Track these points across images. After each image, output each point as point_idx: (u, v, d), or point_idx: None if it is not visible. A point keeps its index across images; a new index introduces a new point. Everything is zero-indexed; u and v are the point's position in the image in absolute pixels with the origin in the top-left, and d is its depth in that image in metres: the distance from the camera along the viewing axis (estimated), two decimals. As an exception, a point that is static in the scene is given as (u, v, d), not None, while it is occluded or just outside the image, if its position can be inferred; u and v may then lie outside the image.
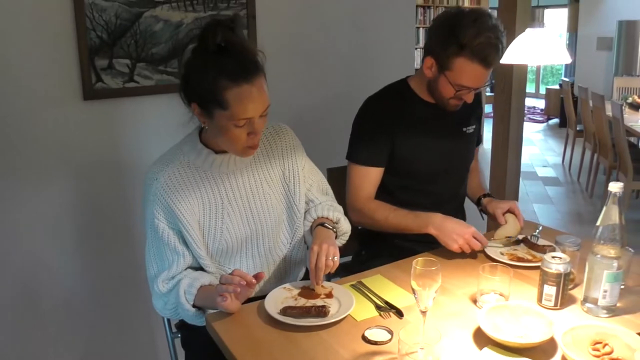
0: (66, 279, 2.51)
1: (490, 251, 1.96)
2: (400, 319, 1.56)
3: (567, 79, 8.76)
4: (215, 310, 1.62)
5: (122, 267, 2.60)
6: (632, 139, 6.28)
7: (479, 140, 2.38)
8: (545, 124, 10.69)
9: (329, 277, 2.42)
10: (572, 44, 10.81)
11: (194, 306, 1.64)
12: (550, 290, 1.60)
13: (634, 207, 5.46)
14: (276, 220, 1.83)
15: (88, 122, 2.43)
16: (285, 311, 1.54)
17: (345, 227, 1.93)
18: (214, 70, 1.54)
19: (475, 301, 1.65)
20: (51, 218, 2.42)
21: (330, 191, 1.99)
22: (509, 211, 2.10)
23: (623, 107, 5.42)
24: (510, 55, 1.92)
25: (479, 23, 1.89)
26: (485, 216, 2.29)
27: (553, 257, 1.61)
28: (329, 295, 1.65)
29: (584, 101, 6.74)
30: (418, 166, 2.16)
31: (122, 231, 2.59)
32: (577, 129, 7.25)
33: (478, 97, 2.25)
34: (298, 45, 2.94)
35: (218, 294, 1.51)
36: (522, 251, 2.00)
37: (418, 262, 1.34)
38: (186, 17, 2.55)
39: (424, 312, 1.36)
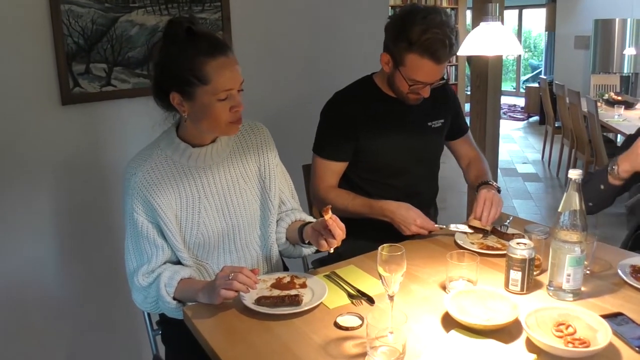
0: (49, 280, 2.52)
1: (461, 240, 2.02)
2: (372, 305, 1.61)
3: (545, 77, 8.87)
4: (193, 303, 1.66)
5: (105, 267, 2.62)
6: (611, 135, 6.41)
7: (461, 130, 2.43)
8: (525, 121, 10.81)
9: (305, 269, 2.49)
10: (551, 43, 10.95)
11: (174, 299, 1.68)
12: (516, 275, 1.66)
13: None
14: (251, 216, 1.87)
15: (67, 126, 2.46)
16: (260, 301, 1.59)
17: None
18: (190, 50, 1.61)
19: (444, 288, 1.71)
20: (33, 220, 2.44)
21: (296, 196, 2.06)
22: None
23: (598, 103, 5.53)
24: (466, 48, 2.02)
25: (429, 20, 1.96)
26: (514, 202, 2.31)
27: (518, 243, 1.67)
28: (303, 286, 1.70)
29: (561, 98, 6.85)
30: (383, 160, 2.22)
31: (104, 231, 2.61)
32: (556, 125, 7.36)
33: (445, 91, 2.30)
34: (272, 46, 2.99)
35: (223, 287, 1.54)
36: (491, 240, 2.06)
37: (384, 249, 1.39)
38: (161, 21, 2.58)
39: (391, 297, 1.41)
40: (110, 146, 2.58)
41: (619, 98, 6.79)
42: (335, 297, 1.65)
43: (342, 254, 2.29)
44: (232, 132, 1.74)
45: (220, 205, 1.81)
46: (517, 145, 8.86)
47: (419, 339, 1.44)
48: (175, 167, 1.75)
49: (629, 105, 6.50)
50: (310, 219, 1.98)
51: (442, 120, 2.30)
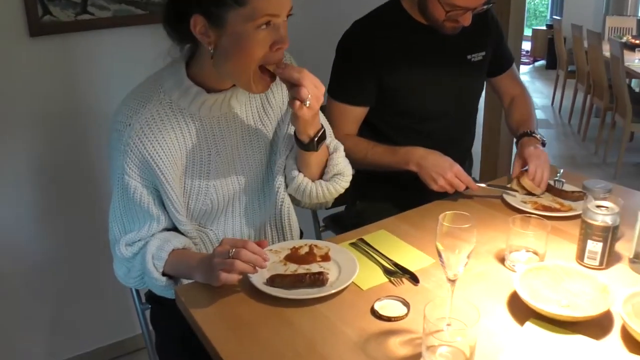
0: (27, 242, 2.27)
1: (510, 199, 1.67)
2: (416, 285, 1.27)
3: (558, 18, 8.40)
4: (189, 281, 1.32)
5: (90, 228, 2.33)
6: (629, 81, 6.02)
7: (506, 62, 2.04)
8: (531, 65, 10.38)
9: (318, 235, 2.14)
10: (559, -17, 10.44)
11: (164, 274, 1.34)
12: (595, 246, 1.32)
13: (629, 150, 5.21)
14: (263, 172, 1.53)
15: (37, 62, 2.12)
16: (274, 280, 1.24)
17: (340, 165, 1.54)
18: None
19: (502, 260, 1.37)
20: (4, 175, 2.16)
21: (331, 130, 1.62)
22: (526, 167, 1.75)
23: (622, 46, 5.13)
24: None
25: None
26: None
27: (598, 206, 1.32)
28: (325, 258, 1.35)
29: (577, 40, 6.42)
30: (413, 102, 1.84)
31: (86, 187, 2.31)
32: (568, 69, 6.96)
33: (485, 18, 1.91)
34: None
35: (220, 269, 1.19)
36: (546, 199, 1.71)
37: (446, 218, 1.03)
38: None
39: (452, 281, 1.06)
40: (90, 86, 2.23)
41: (638, 41, 6.38)
42: (368, 274, 1.31)
43: (361, 213, 1.94)
44: (262, 89, 1.32)
45: (233, 162, 1.45)
46: (525, 90, 8.46)
47: (487, 334, 1.10)
48: (183, 117, 1.36)
49: (650, 50, 6.10)
50: (334, 144, 1.57)
51: (484, 53, 1.91)
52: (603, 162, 5.22)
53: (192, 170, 1.39)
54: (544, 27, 10.32)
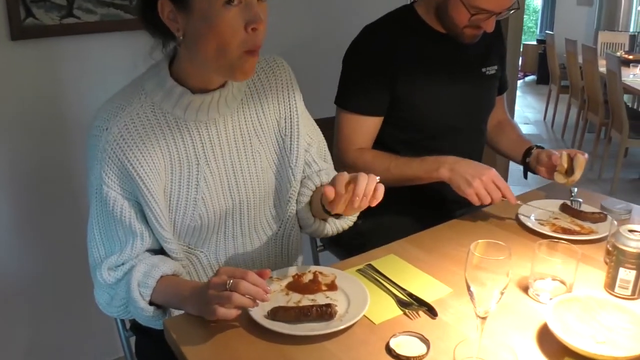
0: (2, 257, 2.11)
1: (525, 220, 1.55)
2: (434, 319, 1.14)
3: (550, 32, 8.37)
4: (180, 312, 1.18)
5: (69, 244, 2.15)
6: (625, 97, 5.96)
7: (503, 86, 1.94)
8: (522, 80, 10.34)
9: (316, 257, 2.00)
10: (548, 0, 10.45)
11: (151, 304, 1.20)
12: (627, 274, 1.20)
13: (624, 166, 5.13)
14: (265, 188, 1.38)
15: (18, 67, 1.98)
16: (276, 314, 1.10)
17: None
18: None
19: (525, 288, 1.24)
20: None
21: (330, 157, 1.52)
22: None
23: (603, 61, 5.09)
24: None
25: None
26: (529, 176, 1.83)
27: (631, 230, 1.21)
28: (332, 287, 1.22)
29: (571, 55, 6.36)
30: (426, 116, 1.72)
31: (67, 200, 2.15)
32: (561, 84, 6.90)
33: (499, 30, 1.82)
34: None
35: (215, 303, 1.06)
36: (564, 220, 1.59)
37: (478, 247, 0.91)
38: None
39: (482, 319, 0.93)
40: (74, 93, 2.09)
41: (631, 57, 6.34)
42: (380, 306, 1.18)
43: (364, 233, 1.81)
44: (247, 70, 1.18)
45: (226, 175, 1.31)
46: (516, 104, 8.38)
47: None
48: (166, 121, 1.23)
49: (644, 65, 6.04)
50: None
51: (496, 67, 1.81)
52: (599, 177, 5.14)
53: (178, 180, 1.25)
54: (535, 42, 10.30)
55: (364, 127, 1.71)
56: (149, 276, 1.19)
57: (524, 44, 10.83)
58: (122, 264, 1.23)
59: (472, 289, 0.91)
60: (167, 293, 1.19)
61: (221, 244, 1.36)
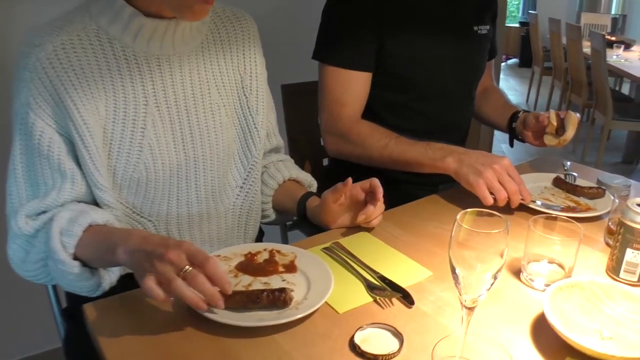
0: None
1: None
2: (410, 307, 0.95)
3: (534, 12, 8.22)
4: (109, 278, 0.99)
5: None
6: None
7: (493, 50, 1.75)
8: (504, 63, 10.20)
9: (284, 236, 1.81)
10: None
11: (75, 258, 0.97)
12: (636, 256, 1.03)
13: (607, 149, 5.00)
14: (226, 147, 1.20)
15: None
16: (218, 300, 0.90)
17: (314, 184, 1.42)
18: None
19: (517, 272, 1.06)
20: None
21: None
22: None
23: (586, 42, 4.96)
24: None
25: None
26: (515, 144, 1.66)
27: (640, 205, 1.03)
28: (290, 268, 1.03)
29: (554, 35, 6.21)
30: (414, 74, 1.52)
31: None
32: (544, 66, 6.75)
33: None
34: None
35: (152, 273, 0.84)
36: (558, 197, 1.41)
37: (466, 218, 0.72)
38: None
39: (469, 309, 0.74)
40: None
41: (613, 38, 6.22)
42: (346, 292, 0.98)
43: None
44: (196, 11, 1.00)
45: (179, 122, 1.12)
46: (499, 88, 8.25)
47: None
48: (112, 49, 1.04)
49: (627, 46, 5.92)
50: (305, 176, 1.38)
51: (488, 27, 1.63)
52: (581, 160, 5.00)
53: (122, 120, 1.05)
54: (517, 25, 10.17)
55: (355, 85, 1.49)
56: (74, 223, 0.97)
57: (506, 27, 10.70)
58: (44, 211, 1.02)
59: (457, 271, 0.72)
60: (95, 243, 0.96)
61: (173, 211, 1.15)
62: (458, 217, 0.71)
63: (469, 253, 0.71)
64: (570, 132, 1.43)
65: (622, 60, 5.30)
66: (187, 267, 0.83)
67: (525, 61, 8.77)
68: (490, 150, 3.45)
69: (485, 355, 0.74)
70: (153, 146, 1.08)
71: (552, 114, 1.46)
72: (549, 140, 1.47)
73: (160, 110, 1.09)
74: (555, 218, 1.05)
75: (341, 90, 1.49)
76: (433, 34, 1.50)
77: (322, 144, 1.62)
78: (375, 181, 1.16)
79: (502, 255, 0.70)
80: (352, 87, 1.49)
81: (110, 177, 1.06)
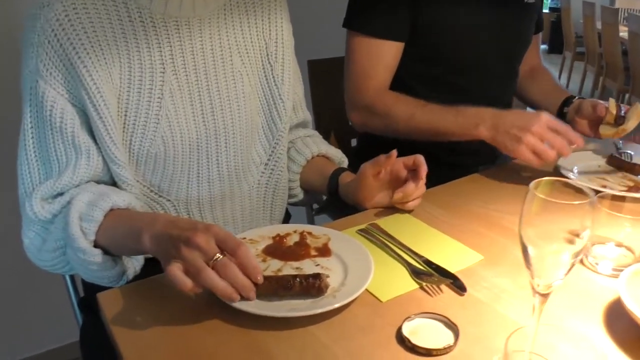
0: None
1: (567, 173, 1.25)
2: (462, 295, 0.83)
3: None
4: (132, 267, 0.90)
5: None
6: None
7: (540, 22, 1.61)
8: (533, 50, 10.01)
9: (311, 221, 1.70)
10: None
11: (96, 246, 0.88)
12: None
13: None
14: (249, 119, 1.10)
15: None
16: (245, 287, 0.80)
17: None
18: None
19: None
20: None
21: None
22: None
23: (624, 27, 4.77)
24: None
25: None
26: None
27: None
28: (324, 252, 0.92)
29: (588, 19, 6.01)
30: (450, 43, 1.40)
31: None
32: (576, 51, 6.56)
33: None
34: None
35: (179, 261, 0.74)
36: (614, 176, 1.29)
37: (541, 187, 0.60)
38: None
39: (543, 296, 0.63)
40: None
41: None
42: (388, 278, 0.87)
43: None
44: None
45: (198, 92, 1.02)
46: (528, 74, 8.06)
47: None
48: (127, 10, 0.95)
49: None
50: (335, 152, 1.27)
51: None
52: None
53: (137, 89, 0.95)
54: (547, 11, 9.95)
55: (383, 56, 1.38)
56: (94, 207, 0.87)
57: (535, 13, 10.52)
58: (61, 193, 0.92)
59: (529, 250, 0.60)
60: (118, 229, 0.87)
61: (193, 190, 1.05)
62: (531, 185, 0.59)
63: (544, 228, 0.59)
64: (632, 123, 1.31)
65: (662, 44, 5.11)
66: (217, 255, 0.73)
67: (555, 47, 8.57)
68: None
69: (560, 349, 0.63)
70: (171, 118, 0.98)
71: (612, 102, 1.35)
72: (605, 130, 1.35)
73: (179, 79, 0.99)
74: (623, 197, 0.93)
75: (370, 62, 1.38)
76: (474, 2, 1.38)
77: (349, 123, 1.51)
78: (420, 158, 1.04)
79: (584, 232, 0.58)
80: (382, 58, 1.38)
81: (126, 152, 0.97)
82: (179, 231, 0.75)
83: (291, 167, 1.22)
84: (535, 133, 1.16)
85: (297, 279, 0.78)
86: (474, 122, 1.24)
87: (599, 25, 5.63)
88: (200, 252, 0.73)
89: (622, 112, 1.34)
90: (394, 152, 1.02)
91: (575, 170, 1.28)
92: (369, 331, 0.75)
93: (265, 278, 0.78)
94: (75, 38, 0.89)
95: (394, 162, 1.04)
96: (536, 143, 1.16)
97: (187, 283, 0.73)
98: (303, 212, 1.69)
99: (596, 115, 1.37)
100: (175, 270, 0.73)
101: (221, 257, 0.73)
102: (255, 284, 0.76)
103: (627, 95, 4.98)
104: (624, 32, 4.99)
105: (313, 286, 0.78)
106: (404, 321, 0.75)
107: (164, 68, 0.97)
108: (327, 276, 0.81)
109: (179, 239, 0.74)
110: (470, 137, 1.26)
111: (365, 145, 1.63)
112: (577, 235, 0.60)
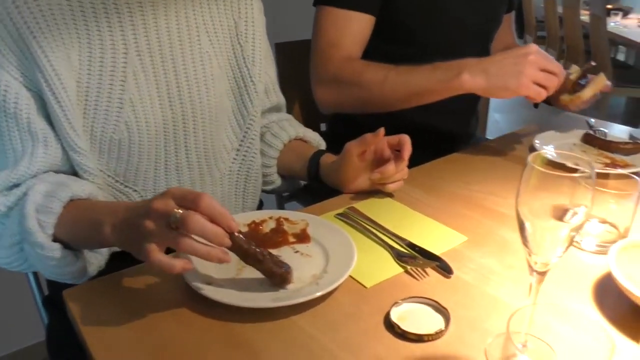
0: None
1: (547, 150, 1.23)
2: (449, 277, 0.80)
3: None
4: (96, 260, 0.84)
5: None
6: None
7: (512, 3, 1.58)
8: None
9: (281, 207, 1.66)
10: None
11: (56, 240, 0.81)
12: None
13: (606, 118, 4.90)
14: (218, 103, 1.04)
15: None
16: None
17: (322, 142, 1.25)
18: None
19: (564, 236, 0.92)
20: None
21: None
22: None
23: (583, 11, 4.84)
24: None
25: None
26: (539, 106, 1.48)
27: None
28: (302, 238, 0.88)
29: (549, 3, 6.07)
30: (421, 22, 1.35)
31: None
32: (537, 35, 6.62)
33: None
34: None
35: (152, 241, 0.68)
36: (590, 152, 1.28)
37: (539, 159, 0.57)
38: None
39: (540, 274, 0.60)
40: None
41: (610, 6, 6.10)
42: (371, 262, 0.84)
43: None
44: None
45: (164, 74, 0.96)
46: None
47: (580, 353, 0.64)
48: None
49: (625, 13, 5.82)
50: (313, 135, 1.22)
51: None
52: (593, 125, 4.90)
53: (98, 72, 0.89)
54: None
55: (353, 28, 1.31)
56: (52, 197, 0.81)
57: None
58: (17, 184, 0.86)
59: (526, 226, 0.57)
60: (78, 221, 0.81)
61: (161, 178, 1.00)
62: (529, 158, 0.56)
63: (542, 203, 0.56)
64: (587, 92, 1.25)
65: (621, 27, 5.20)
66: (175, 211, 0.67)
67: (516, 31, 8.64)
68: (485, 121, 3.30)
69: (559, 331, 0.60)
70: (135, 102, 0.92)
71: (574, 69, 1.29)
72: (564, 97, 1.31)
73: (143, 60, 0.93)
74: (606, 175, 0.91)
75: (336, 32, 1.30)
76: None
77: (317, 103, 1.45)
78: (405, 137, 1.00)
79: (585, 206, 0.55)
80: (350, 29, 1.31)
81: (87, 139, 0.91)
82: (136, 210, 0.70)
83: (268, 152, 1.17)
84: (532, 62, 1.10)
85: (277, 267, 0.74)
86: (456, 71, 1.16)
87: (560, 9, 5.69)
88: (164, 217, 0.67)
89: (585, 81, 1.30)
90: (382, 130, 0.97)
91: (552, 148, 1.26)
92: (355, 319, 0.71)
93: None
94: (30, 17, 0.83)
95: (379, 141, 1.00)
96: (537, 73, 1.10)
97: (174, 264, 0.68)
98: (272, 200, 1.64)
99: (564, 85, 1.33)
100: (156, 254, 0.67)
101: (180, 211, 0.67)
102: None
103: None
104: (585, 16, 5.04)
105: (280, 268, 0.73)
106: (391, 307, 0.71)
107: (126, 49, 0.91)
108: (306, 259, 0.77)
109: (138, 216, 0.69)
110: (452, 92, 1.18)
111: (335, 130, 1.59)
112: (575, 211, 0.57)
